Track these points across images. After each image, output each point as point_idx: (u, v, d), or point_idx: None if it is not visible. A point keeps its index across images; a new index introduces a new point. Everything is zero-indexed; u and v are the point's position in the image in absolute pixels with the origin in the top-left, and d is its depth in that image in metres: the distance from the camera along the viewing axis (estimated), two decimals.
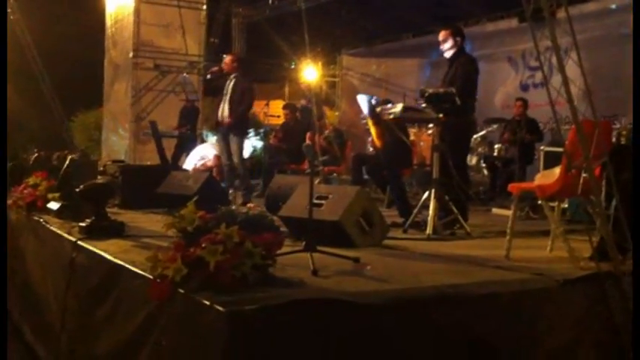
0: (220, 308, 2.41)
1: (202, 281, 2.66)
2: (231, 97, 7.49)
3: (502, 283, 3.24)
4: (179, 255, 2.76)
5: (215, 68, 7.85)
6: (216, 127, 7.76)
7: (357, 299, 2.63)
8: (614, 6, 9.50)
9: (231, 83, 7.55)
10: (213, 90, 7.98)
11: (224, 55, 8.19)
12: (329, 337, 2.50)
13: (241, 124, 7.50)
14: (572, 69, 3.84)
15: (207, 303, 2.48)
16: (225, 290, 2.59)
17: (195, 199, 3.15)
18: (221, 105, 7.58)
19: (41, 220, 5.04)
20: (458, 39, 5.70)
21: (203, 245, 2.74)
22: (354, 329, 2.55)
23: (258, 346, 2.39)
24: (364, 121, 5.97)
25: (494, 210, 7.49)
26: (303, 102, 11.69)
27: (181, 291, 2.67)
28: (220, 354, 2.39)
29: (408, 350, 2.68)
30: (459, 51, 5.72)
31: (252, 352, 2.39)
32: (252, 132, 11.14)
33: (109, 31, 13.64)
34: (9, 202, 5.76)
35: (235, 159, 7.48)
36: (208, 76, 8.15)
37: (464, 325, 2.83)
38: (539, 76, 9.94)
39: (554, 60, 3.64)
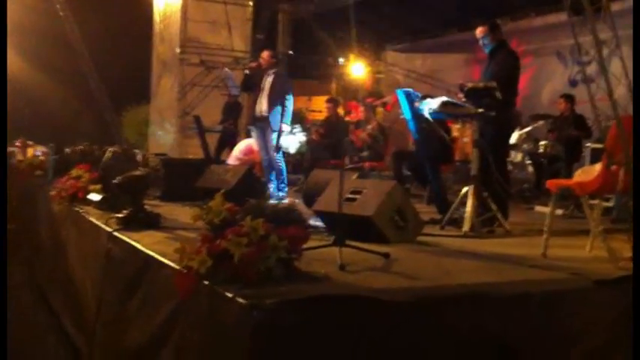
0: (242, 301, 2.41)
1: (227, 274, 2.66)
2: (270, 93, 7.49)
3: (536, 282, 3.16)
4: (205, 247, 2.77)
5: (253, 64, 7.86)
6: (254, 122, 7.77)
7: (381, 295, 2.59)
8: None
9: (270, 78, 7.55)
10: (250, 86, 7.94)
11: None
12: (351, 333, 2.46)
13: (278, 118, 7.48)
14: (620, 64, 3.71)
15: (230, 295, 2.48)
16: (250, 283, 2.58)
17: (222, 191, 3.15)
18: (258, 100, 7.59)
19: (81, 211, 5.14)
20: (495, 33, 5.59)
21: (228, 237, 2.74)
22: (377, 326, 2.50)
23: (280, 339, 2.38)
24: (402, 117, 5.89)
25: (537, 208, 7.31)
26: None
27: (206, 283, 2.67)
28: (243, 346, 2.38)
29: (433, 349, 2.62)
30: (499, 45, 5.60)
31: (274, 345, 2.37)
32: (298, 127, 11.12)
33: (157, 27, 13.85)
34: (52, 193, 5.89)
35: (271, 153, 7.49)
36: (247, 72, 8.15)
37: (494, 325, 2.76)
38: (588, 71, 9.63)
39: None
